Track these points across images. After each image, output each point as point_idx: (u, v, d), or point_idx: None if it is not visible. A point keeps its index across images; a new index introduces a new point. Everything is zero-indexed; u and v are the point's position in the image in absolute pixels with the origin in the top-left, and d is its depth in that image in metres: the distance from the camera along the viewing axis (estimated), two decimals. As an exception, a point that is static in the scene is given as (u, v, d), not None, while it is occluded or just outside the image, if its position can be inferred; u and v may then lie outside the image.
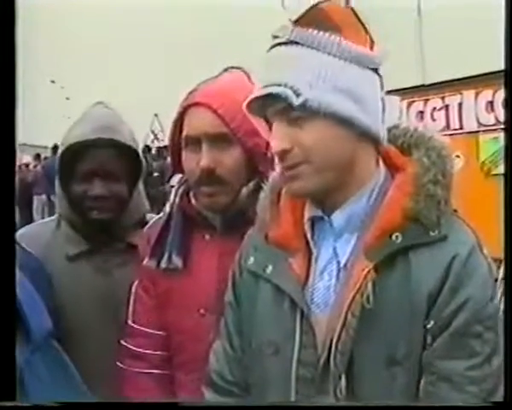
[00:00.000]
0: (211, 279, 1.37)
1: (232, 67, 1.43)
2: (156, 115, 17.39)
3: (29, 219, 11.37)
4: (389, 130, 1.11)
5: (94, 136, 1.54)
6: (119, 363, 1.48)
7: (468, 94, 4.38)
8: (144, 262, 1.45)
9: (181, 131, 1.38)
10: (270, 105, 1.04)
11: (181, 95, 1.40)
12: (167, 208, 1.46)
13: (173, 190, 1.47)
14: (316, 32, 1.01)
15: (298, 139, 1.03)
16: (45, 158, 12.01)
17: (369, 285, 0.98)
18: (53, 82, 29.12)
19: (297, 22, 1.02)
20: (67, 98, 28.36)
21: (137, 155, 1.60)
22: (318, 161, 1.03)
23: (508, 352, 0.90)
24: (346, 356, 1.00)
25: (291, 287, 1.07)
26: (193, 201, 1.42)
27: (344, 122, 1.01)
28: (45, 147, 11.97)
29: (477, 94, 4.33)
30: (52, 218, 1.71)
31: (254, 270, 1.14)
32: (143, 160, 1.61)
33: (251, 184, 1.35)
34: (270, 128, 1.06)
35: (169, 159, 1.51)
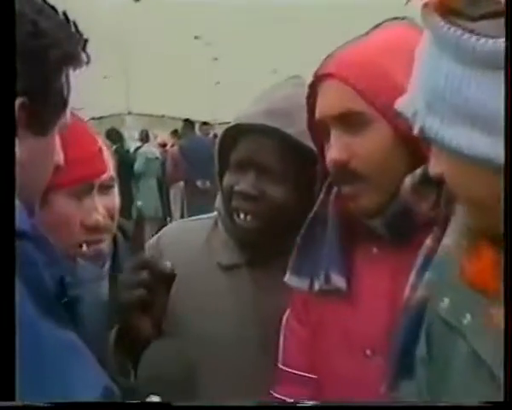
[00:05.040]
0: (380, 307, 1.36)
1: (395, 18, 1.40)
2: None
3: (167, 213, 12.01)
4: None
5: (260, 120, 1.59)
6: None
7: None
8: (287, 279, 1.48)
9: (314, 111, 1.39)
10: None
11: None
12: (315, 210, 1.48)
13: (324, 187, 1.47)
14: (443, 21, 0.98)
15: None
16: (182, 135, 12.14)
17: None
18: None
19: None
20: (216, 58, 29.82)
21: (313, 155, 1.55)
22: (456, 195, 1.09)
23: (508, 352, 0.95)
24: None
25: (491, 357, 1.00)
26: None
27: (471, 159, 0.99)
28: (187, 120, 12.30)
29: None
30: (212, 214, 1.79)
31: (448, 318, 1.10)
32: (320, 163, 1.55)
33: (416, 173, 1.31)
34: None
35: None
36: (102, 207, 1.74)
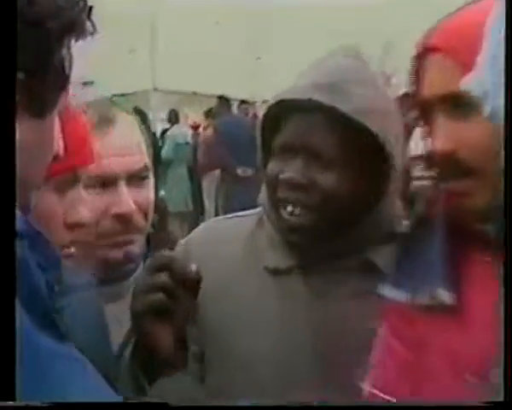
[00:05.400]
0: (493, 326, 1.31)
1: None
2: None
3: (200, 207, 11.97)
4: None
5: (307, 95, 1.58)
6: None
7: None
8: (383, 290, 1.49)
9: (419, 89, 1.42)
10: None
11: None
12: (416, 210, 1.53)
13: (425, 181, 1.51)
14: None
15: None
16: (216, 114, 12.08)
17: None
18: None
19: None
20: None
21: (371, 136, 1.58)
22: None
23: (508, 352, 1.05)
24: None
25: None
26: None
27: None
28: (222, 97, 12.15)
29: None
30: (256, 210, 1.80)
31: None
32: (389, 149, 1.60)
33: None
34: None
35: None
36: (133, 201, 1.76)
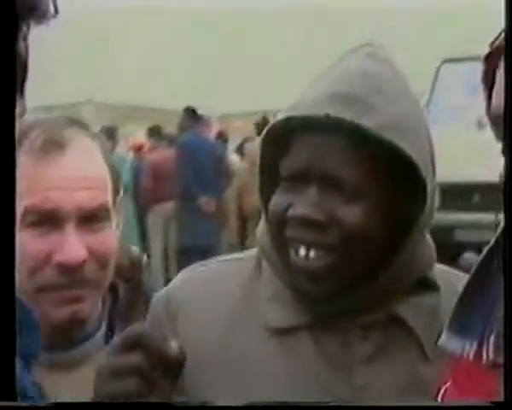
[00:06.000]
0: None
1: None
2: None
3: (141, 243, 11.84)
4: None
5: (322, 109, 1.63)
6: None
7: None
8: (442, 341, 1.53)
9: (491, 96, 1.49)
10: None
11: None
12: (492, 243, 1.54)
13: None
14: None
15: None
16: (181, 130, 11.61)
17: None
18: None
19: None
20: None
21: (404, 158, 1.64)
22: None
23: (508, 351, 1.24)
24: None
25: None
26: None
27: None
28: (188, 109, 11.73)
29: None
30: (250, 252, 1.87)
31: None
32: (424, 173, 1.68)
33: None
34: None
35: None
36: (86, 248, 1.78)
